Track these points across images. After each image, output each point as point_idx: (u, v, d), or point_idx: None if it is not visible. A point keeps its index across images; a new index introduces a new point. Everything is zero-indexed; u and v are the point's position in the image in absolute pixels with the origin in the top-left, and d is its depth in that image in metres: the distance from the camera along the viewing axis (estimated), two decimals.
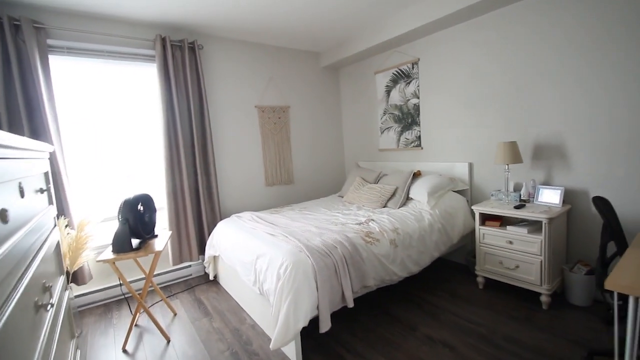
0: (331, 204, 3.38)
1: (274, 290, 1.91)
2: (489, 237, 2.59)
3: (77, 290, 2.79)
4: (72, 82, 2.82)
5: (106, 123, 2.99)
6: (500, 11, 2.69)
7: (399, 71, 3.59)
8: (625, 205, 2.22)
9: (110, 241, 2.23)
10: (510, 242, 2.45)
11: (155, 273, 3.13)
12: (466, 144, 3.10)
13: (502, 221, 2.60)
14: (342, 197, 3.62)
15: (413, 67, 3.44)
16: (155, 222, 2.50)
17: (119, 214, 2.21)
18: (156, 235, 2.51)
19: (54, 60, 2.68)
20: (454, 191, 3.06)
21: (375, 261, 2.22)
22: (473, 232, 2.97)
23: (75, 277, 2.69)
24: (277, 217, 2.81)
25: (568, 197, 2.49)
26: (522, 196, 2.65)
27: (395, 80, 3.66)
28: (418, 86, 3.42)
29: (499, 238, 2.52)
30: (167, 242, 2.40)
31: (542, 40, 2.49)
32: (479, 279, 2.71)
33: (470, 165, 3.08)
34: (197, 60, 3.21)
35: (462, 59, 3.01)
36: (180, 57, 3.15)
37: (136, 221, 2.21)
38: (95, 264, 2.83)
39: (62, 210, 2.59)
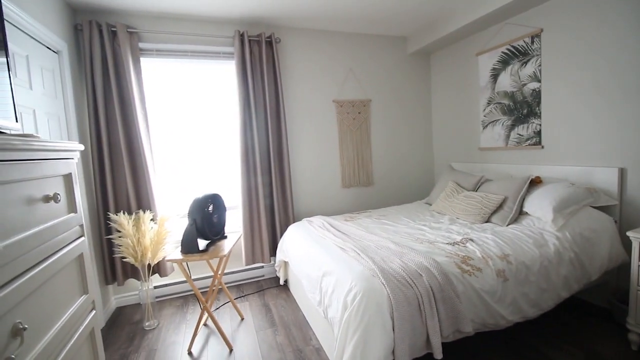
0: (416, 212, 2.86)
1: (339, 321, 1.57)
2: None
3: (160, 281, 2.93)
4: (160, 82, 2.95)
5: (189, 121, 3.07)
6: None
7: (512, 48, 2.83)
8: None
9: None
10: None
11: (228, 271, 3.12)
12: (614, 142, 2.22)
13: None
14: (430, 204, 3.06)
15: (533, 42, 2.65)
16: (224, 222, 2.41)
17: (188, 213, 2.17)
18: (225, 237, 2.42)
19: (144, 62, 2.82)
20: (593, 207, 2.23)
21: (475, 298, 1.68)
22: (622, 266, 2.12)
23: (158, 269, 2.82)
24: (350, 226, 2.45)
25: None
26: None
27: (505, 62, 2.91)
28: (539, 66, 2.62)
29: None
30: (233, 246, 2.28)
31: None
32: (632, 337, 1.88)
33: (622, 172, 2.20)
34: (274, 54, 3.06)
35: (611, 25, 2.14)
36: (258, 53, 3.04)
37: (203, 222, 2.13)
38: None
39: (148, 204, 2.72)
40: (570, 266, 1.95)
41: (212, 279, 3.01)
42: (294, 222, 3.15)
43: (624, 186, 2.20)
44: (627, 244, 2.03)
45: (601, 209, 2.24)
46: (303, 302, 2.48)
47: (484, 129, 3.20)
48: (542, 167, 2.65)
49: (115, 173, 2.67)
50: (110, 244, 2.63)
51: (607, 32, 2.19)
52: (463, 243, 1.99)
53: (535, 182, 2.45)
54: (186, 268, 2.32)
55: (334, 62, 3.39)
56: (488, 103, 3.13)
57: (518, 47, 2.78)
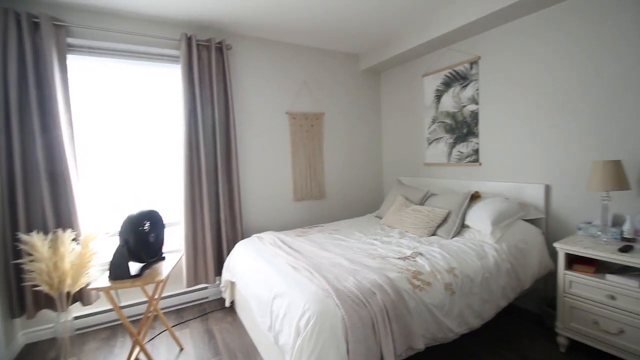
0: (367, 226, 2.88)
1: (292, 348, 1.46)
2: (578, 286, 1.95)
3: (82, 310, 2.54)
4: (91, 83, 2.63)
5: (125, 128, 2.76)
6: None
7: (454, 72, 3.04)
8: None
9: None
10: (612, 297, 1.81)
11: (166, 295, 2.82)
12: (541, 161, 2.47)
13: (597, 266, 1.95)
14: (381, 218, 3.11)
15: (471, 67, 2.88)
16: (162, 242, 2.18)
17: (119, 233, 1.91)
18: (164, 258, 2.18)
19: (73, 59, 2.49)
20: (524, 220, 2.43)
21: (426, 313, 1.70)
22: (549, 274, 2.33)
23: (80, 297, 2.44)
24: (303, 242, 2.37)
25: None
26: (624, 233, 1.99)
27: (448, 84, 3.12)
28: (477, 90, 2.86)
29: (594, 290, 1.88)
30: (173, 268, 2.06)
31: None
32: (561, 339, 2.06)
33: (548, 188, 2.44)
34: (224, 61, 2.92)
35: (538, 57, 2.41)
36: (207, 58, 2.87)
37: (138, 242, 1.89)
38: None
39: (70, 222, 2.35)
40: (507, 277, 2.09)
41: (147, 305, 2.69)
42: (242, 238, 2.97)
43: (549, 201, 2.45)
44: (553, 254, 2.24)
45: (531, 221, 2.46)
46: (251, 325, 2.31)
47: (429, 145, 3.38)
48: (481, 183, 2.85)
49: (28, 184, 2.27)
50: (18, 269, 2.20)
51: (534, 64, 2.46)
52: (413, 257, 2.03)
53: (474, 197, 2.62)
54: (115, 296, 2.03)
55: (288, 73, 3.34)
56: (432, 121, 3.31)
57: (459, 71, 3.00)
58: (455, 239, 2.37)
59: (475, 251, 2.12)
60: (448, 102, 3.13)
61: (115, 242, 2.57)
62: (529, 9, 2.35)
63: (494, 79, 2.73)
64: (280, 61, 3.30)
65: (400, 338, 1.58)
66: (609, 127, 2.10)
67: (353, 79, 3.79)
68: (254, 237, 2.65)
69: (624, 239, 1.98)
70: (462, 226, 2.49)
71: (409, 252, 2.11)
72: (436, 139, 3.29)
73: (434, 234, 2.50)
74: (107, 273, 1.87)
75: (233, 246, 2.82)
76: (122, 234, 1.87)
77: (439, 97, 3.22)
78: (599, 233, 2.04)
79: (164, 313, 2.78)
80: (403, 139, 3.72)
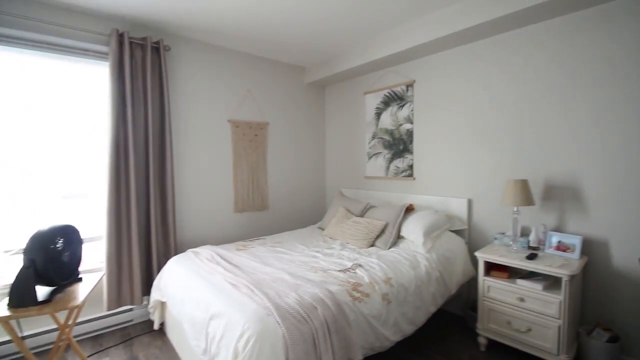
0: (310, 238, 2.89)
1: None
2: (495, 290, 2.19)
3: None
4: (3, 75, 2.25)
5: (38, 128, 2.40)
6: (511, 34, 2.42)
7: (392, 93, 3.26)
8: None
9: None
10: (522, 300, 2.07)
11: (82, 320, 2.47)
12: (465, 178, 2.75)
13: (510, 272, 2.22)
14: (323, 229, 3.16)
15: (407, 90, 3.12)
16: (80, 261, 1.91)
17: (24, 252, 1.63)
18: (80, 279, 1.92)
19: None
20: (450, 231, 2.67)
21: (365, 324, 1.75)
22: (471, 280, 2.58)
23: None
24: (243, 257, 2.28)
25: (585, 246, 2.16)
26: (530, 243, 2.30)
27: (386, 103, 3.33)
28: (412, 110, 3.10)
29: (507, 293, 2.13)
30: (91, 291, 1.81)
31: (558, 69, 2.22)
32: (481, 339, 2.29)
33: (470, 202, 2.73)
34: (161, 62, 2.73)
35: (464, 85, 2.72)
36: (141, 58, 2.65)
37: (48, 263, 1.63)
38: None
39: None
40: (437, 284, 2.26)
41: (58, 333, 2.34)
42: (176, 253, 2.76)
43: (471, 214, 2.73)
44: (474, 261, 2.49)
45: (456, 232, 2.71)
46: (184, 350, 2.13)
47: (369, 159, 3.55)
48: (415, 196, 3.07)
49: None
50: None
51: (460, 92, 2.75)
52: (353, 269, 2.08)
53: (409, 209, 2.81)
54: (15, 325, 1.72)
55: (231, 80, 3.25)
56: (372, 137, 3.49)
57: (396, 92, 3.22)
58: (392, 249, 2.50)
59: (409, 261, 2.26)
60: (387, 120, 3.34)
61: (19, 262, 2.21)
62: (456, 42, 2.63)
63: (427, 102, 2.98)
64: (223, 67, 3.20)
65: (340, 351, 1.60)
66: (518, 151, 2.43)
67: (299, 91, 3.83)
68: (189, 252, 2.47)
69: (530, 248, 2.29)
70: (398, 237, 2.64)
71: (349, 264, 2.17)
72: (376, 153, 3.47)
73: (372, 245, 2.60)
74: (7, 299, 1.58)
75: (165, 263, 2.59)
76: (28, 252, 1.60)
77: (378, 114, 3.42)
78: (511, 243, 2.33)
79: (79, 341, 2.43)
80: (345, 152, 3.85)
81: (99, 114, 2.61)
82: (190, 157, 3.00)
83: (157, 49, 2.73)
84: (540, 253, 2.19)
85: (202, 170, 3.07)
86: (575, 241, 2.10)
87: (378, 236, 2.63)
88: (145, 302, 2.68)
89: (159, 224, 2.73)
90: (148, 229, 2.67)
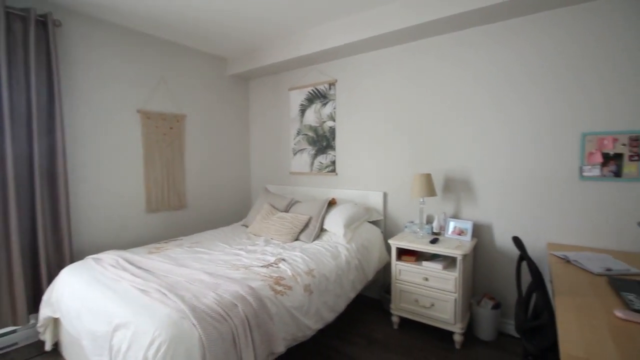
0: (233, 236, 2.81)
1: None
2: (405, 273, 2.43)
3: None
4: None
5: None
6: (424, 42, 2.67)
7: (316, 90, 3.35)
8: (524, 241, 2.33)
9: None
10: (426, 279, 2.33)
11: None
12: (381, 173, 2.98)
13: (418, 255, 2.48)
14: (247, 226, 3.09)
15: (330, 88, 3.24)
16: None
17: None
18: None
19: None
20: (369, 222, 2.87)
21: (287, 316, 1.77)
22: (386, 265, 2.81)
23: None
24: (156, 260, 2.09)
25: (475, 230, 2.53)
26: (434, 229, 2.61)
27: (311, 100, 3.40)
28: (334, 109, 3.22)
29: (415, 274, 2.38)
30: None
31: (459, 76, 2.55)
32: (394, 319, 2.52)
33: (385, 195, 2.97)
34: (49, 40, 2.32)
35: (380, 86, 2.93)
36: (22, 33, 2.23)
37: None
38: None
39: None
40: (356, 271, 2.41)
41: None
42: (72, 262, 2.40)
43: (386, 205, 2.98)
44: (389, 248, 2.71)
45: (374, 223, 2.93)
46: None
47: (294, 155, 3.58)
48: (337, 190, 3.21)
49: None
50: None
51: (373, 94, 2.95)
52: (276, 264, 2.09)
53: (332, 203, 2.93)
54: None
55: (142, 66, 2.93)
56: (297, 133, 3.54)
57: (320, 90, 3.31)
58: (315, 242, 2.57)
59: (331, 252, 2.36)
60: (311, 117, 3.41)
61: None
62: (375, 46, 2.81)
63: (347, 101, 3.14)
64: (133, 52, 2.87)
65: (261, 345, 1.60)
66: (424, 148, 2.73)
67: (220, 82, 3.66)
68: (89, 259, 2.17)
69: (434, 233, 2.60)
70: (322, 230, 2.73)
71: (272, 259, 2.17)
72: (300, 149, 3.52)
73: (297, 239, 2.64)
74: None
75: (57, 273, 2.23)
76: None
77: (303, 111, 3.47)
78: (418, 230, 2.60)
79: None
80: (271, 148, 3.82)
81: None
82: (90, 151, 2.63)
83: (43, 23, 2.32)
84: (441, 237, 2.50)
85: (106, 165, 2.72)
86: (467, 226, 2.45)
87: (302, 230, 2.69)
88: (32, 321, 2.28)
89: (49, 231, 2.34)
90: (34, 237, 2.27)
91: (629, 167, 2.01)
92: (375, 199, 2.98)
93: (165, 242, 2.62)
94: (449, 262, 2.34)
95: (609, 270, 1.66)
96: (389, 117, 2.90)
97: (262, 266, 2.05)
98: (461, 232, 2.47)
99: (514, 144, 2.34)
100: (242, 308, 1.58)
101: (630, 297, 1.35)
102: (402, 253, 2.49)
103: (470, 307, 2.45)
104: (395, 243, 2.46)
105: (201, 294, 1.63)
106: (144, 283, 1.72)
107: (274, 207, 3.04)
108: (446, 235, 2.53)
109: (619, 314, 1.22)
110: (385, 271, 2.91)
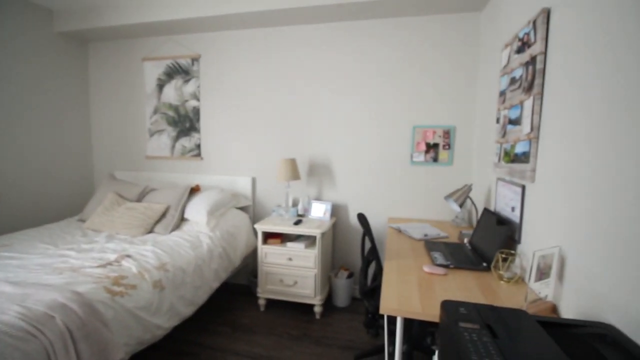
0: (62, 234, 2.27)
1: None
2: (271, 255, 2.47)
3: None
4: None
5: None
6: (286, 28, 2.69)
7: (176, 64, 2.99)
8: (371, 217, 2.69)
9: None
10: (290, 259, 2.43)
11: None
12: (249, 157, 2.93)
13: (283, 238, 2.56)
14: (84, 221, 2.56)
15: (193, 64, 2.94)
16: None
17: None
18: None
19: None
20: (236, 208, 2.79)
21: (129, 319, 1.54)
22: (254, 250, 2.81)
23: None
24: None
25: (334, 210, 2.78)
26: (299, 211, 2.73)
27: (170, 75, 3.02)
28: (199, 87, 2.96)
29: (279, 256, 2.45)
30: None
31: (321, 67, 2.68)
32: (261, 301, 2.55)
33: (254, 180, 2.93)
34: None
35: (249, 69, 2.83)
36: None
37: None
38: None
39: None
40: (219, 259, 2.31)
41: None
42: None
43: (255, 191, 2.95)
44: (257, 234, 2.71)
45: (242, 209, 2.86)
46: None
47: (150, 137, 3.14)
48: (203, 176, 2.99)
49: None
50: None
51: (249, 73, 2.84)
52: (118, 262, 1.79)
53: (195, 190, 2.71)
54: None
55: None
56: (154, 112, 3.10)
57: (181, 65, 2.97)
58: (173, 233, 2.34)
59: (191, 242, 2.19)
60: (171, 94, 3.04)
61: None
62: (243, 25, 2.67)
63: (214, 79, 2.92)
64: None
65: (92, 357, 1.34)
66: (291, 135, 2.80)
67: (46, 41, 2.84)
68: None
69: (299, 215, 2.72)
70: (182, 220, 2.50)
71: (114, 257, 1.85)
72: (159, 130, 3.11)
73: (150, 232, 2.34)
74: None
75: None
76: None
77: (161, 86, 3.06)
78: (284, 213, 2.68)
79: None
80: (120, 127, 3.24)
81: None
82: None
83: None
84: (305, 219, 2.64)
85: None
86: (327, 206, 2.66)
87: (158, 221, 2.40)
88: None
89: None
90: None
91: (443, 154, 2.55)
92: (243, 185, 2.91)
93: None
94: (311, 241, 2.49)
95: (426, 235, 2.07)
96: (257, 100, 2.85)
97: (97, 266, 1.72)
98: (324, 213, 2.67)
99: (365, 133, 2.65)
100: (61, 319, 1.28)
101: (436, 255, 1.70)
102: (269, 236, 2.52)
103: (330, 279, 2.69)
104: (261, 227, 2.47)
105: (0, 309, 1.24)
106: None
107: (121, 196, 2.60)
108: (309, 217, 2.69)
109: (426, 269, 1.53)
110: (254, 256, 2.90)
